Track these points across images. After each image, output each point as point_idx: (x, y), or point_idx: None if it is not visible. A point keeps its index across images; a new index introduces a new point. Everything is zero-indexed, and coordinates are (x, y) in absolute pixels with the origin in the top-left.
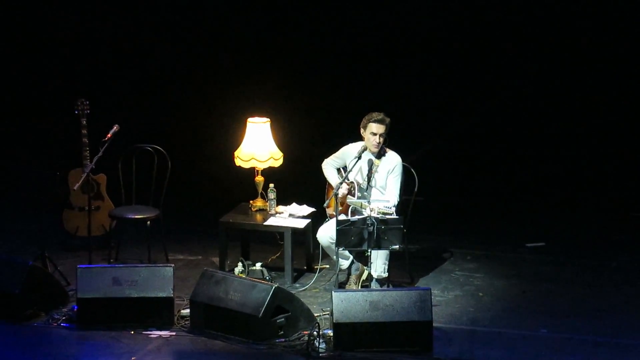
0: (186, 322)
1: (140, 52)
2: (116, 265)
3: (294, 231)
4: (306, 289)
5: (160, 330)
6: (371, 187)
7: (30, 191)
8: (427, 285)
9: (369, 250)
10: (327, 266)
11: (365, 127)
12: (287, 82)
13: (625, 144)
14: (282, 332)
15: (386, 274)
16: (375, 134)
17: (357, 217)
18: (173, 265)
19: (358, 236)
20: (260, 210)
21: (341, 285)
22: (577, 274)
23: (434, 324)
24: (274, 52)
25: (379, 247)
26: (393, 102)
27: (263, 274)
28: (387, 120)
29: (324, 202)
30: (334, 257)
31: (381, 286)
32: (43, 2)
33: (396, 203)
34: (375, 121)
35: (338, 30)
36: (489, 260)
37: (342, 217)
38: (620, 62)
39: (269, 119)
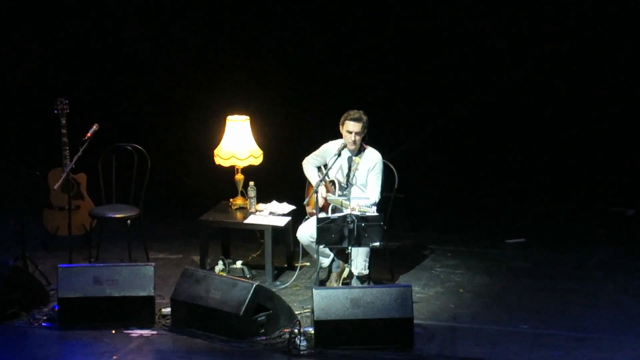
0: (167, 321)
1: (119, 51)
2: (97, 265)
3: (275, 229)
4: (287, 286)
5: (142, 329)
6: (351, 184)
7: (10, 191)
8: (408, 282)
9: (350, 248)
10: (308, 264)
11: (342, 125)
12: (267, 80)
13: (605, 139)
14: (263, 330)
15: (367, 271)
16: (351, 132)
17: (337, 214)
18: (154, 264)
19: (338, 234)
20: (241, 208)
21: (322, 283)
22: (557, 269)
23: (415, 321)
24: (253, 50)
25: (359, 245)
26: (374, 99)
27: (244, 272)
28: (364, 118)
29: (304, 200)
30: (315, 255)
31: (362, 283)
32: (21, 1)
33: (377, 200)
34: (351, 119)
35: (318, 28)
36: (470, 257)
37: (322, 214)
38: (602, 58)
39: (248, 117)
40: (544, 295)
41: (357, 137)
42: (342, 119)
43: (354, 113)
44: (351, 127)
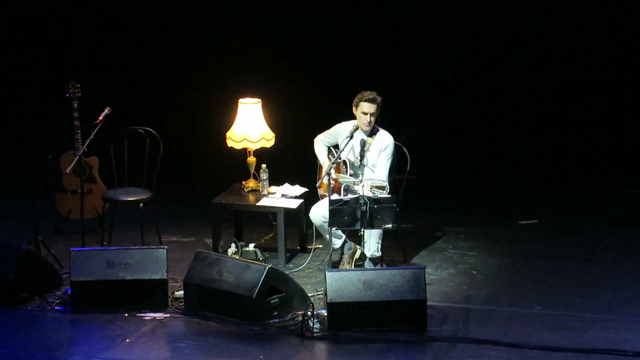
0: (180, 304)
1: (131, 34)
2: (109, 248)
3: (287, 211)
4: (300, 269)
5: (154, 312)
6: (363, 165)
7: (23, 175)
8: (421, 264)
9: (362, 230)
10: (320, 246)
11: (356, 106)
12: (279, 62)
13: (618, 120)
14: (276, 313)
15: (379, 253)
16: (366, 113)
17: (350, 196)
18: (166, 247)
19: (351, 216)
20: (253, 191)
21: (334, 265)
22: (570, 251)
23: (428, 303)
24: (265, 33)
25: (372, 227)
26: (386, 81)
27: (256, 255)
28: (379, 99)
29: (316, 183)
30: (327, 235)
31: (375, 265)
32: None
33: (384, 181)
34: (366, 100)
35: (329, 9)
36: (483, 238)
37: (334, 196)
38: (609, 39)
39: (260, 100)
40: (557, 277)
41: (372, 118)
42: (356, 100)
43: (369, 94)
44: (366, 109)
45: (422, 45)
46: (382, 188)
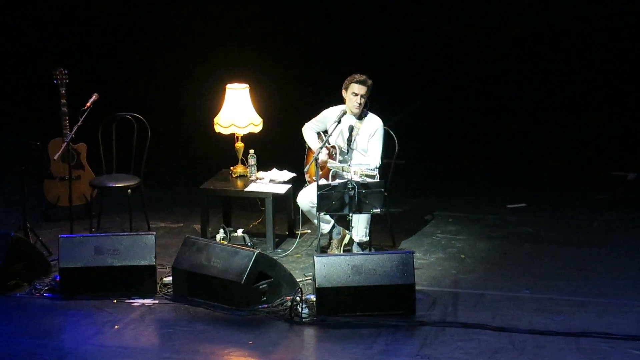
0: (169, 290)
1: (118, 20)
2: (98, 235)
3: (275, 197)
4: (288, 254)
5: (143, 298)
6: (352, 150)
7: (11, 162)
8: (409, 249)
9: (351, 215)
10: (309, 231)
11: (347, 88)
12: (266, 47)
13: (605, 102)
14: (264, 298)
15: (368, 238)
16: (356, 94)
17: (338, 181)
18: (155, 233)
19: (339, 201)
20: (241, 176)
21: (323, 250)
22: (558, 234)
23: (417, 287)
24: (251, 17)
25: (360, 212)
26: (374, 65)
27: (245, 241)
28: (369, 82)
29: (304, 168)
30: (315, 220)
31: (363, 250)
32: None
33: (378, 165)
34: (357, 82)
35: None
36: (471, 222)
37: (322, 181)
38: (605, 24)
39: (248, 85)
40: (545, 260)
41: (362, 100)
42: (346, 82)
43: (359, 76)
44: (357, 89)
45: (412, 29)
46: (371, 177)
